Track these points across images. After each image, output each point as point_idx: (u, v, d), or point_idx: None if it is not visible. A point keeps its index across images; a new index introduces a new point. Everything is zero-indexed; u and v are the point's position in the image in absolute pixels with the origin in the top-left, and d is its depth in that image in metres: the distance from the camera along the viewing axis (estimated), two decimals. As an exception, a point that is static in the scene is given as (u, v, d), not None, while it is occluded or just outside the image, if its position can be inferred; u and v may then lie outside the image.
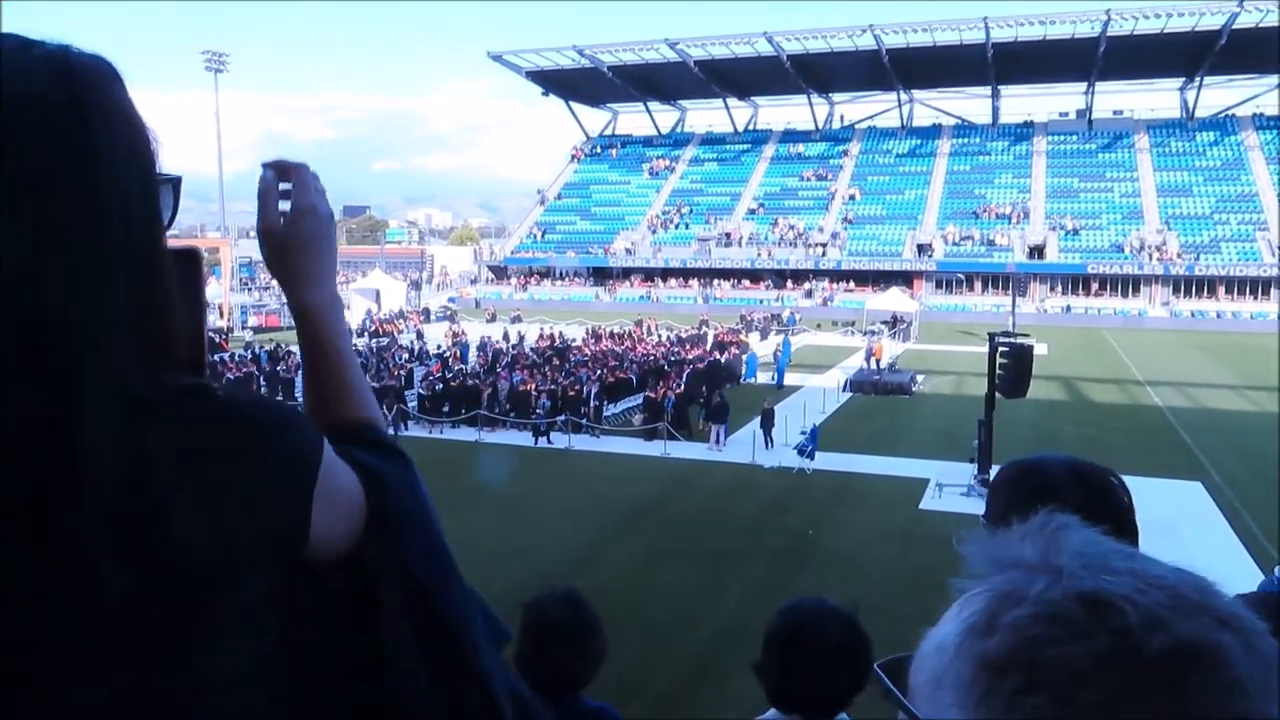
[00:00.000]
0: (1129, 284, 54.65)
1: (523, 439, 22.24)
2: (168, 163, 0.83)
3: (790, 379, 30.00)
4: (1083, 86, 66.89)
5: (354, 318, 48.06)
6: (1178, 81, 66.15)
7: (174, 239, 0.87)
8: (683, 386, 24.35)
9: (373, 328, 44.01)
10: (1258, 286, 51.96)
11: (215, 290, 52.16)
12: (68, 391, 0.70)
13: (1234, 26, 53.26)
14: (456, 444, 21.85)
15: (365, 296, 53.51)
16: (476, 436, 22.34)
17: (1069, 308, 53.87)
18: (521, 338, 38.22)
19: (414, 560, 0.94)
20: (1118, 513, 1.50)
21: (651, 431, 21.58)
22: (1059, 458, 1.60)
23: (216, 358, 31.16)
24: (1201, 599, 0.52)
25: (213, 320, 47.24)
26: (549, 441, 21.45)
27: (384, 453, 1.01)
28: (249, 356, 31.07)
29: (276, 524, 0.82)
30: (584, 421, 22.27)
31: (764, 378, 30.49)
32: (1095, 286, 55.22)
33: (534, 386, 23.91)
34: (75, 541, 0.70)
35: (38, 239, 0.70)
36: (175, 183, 0.85)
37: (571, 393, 23.19)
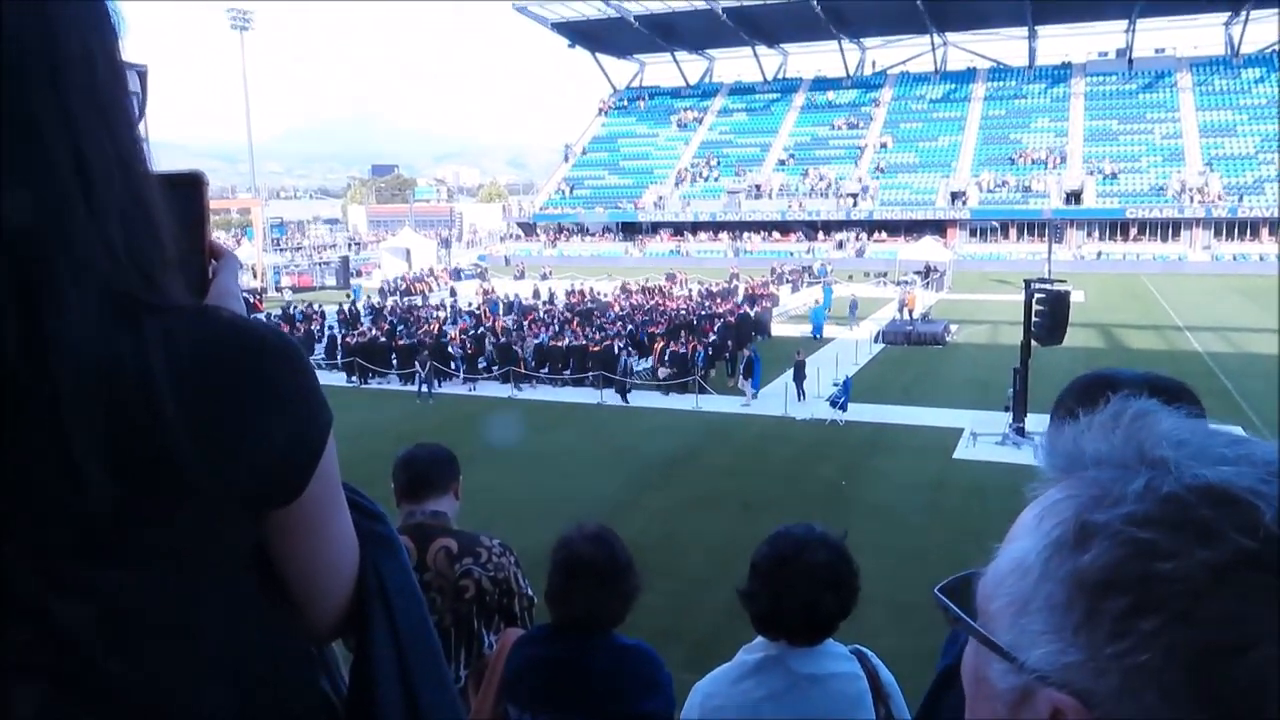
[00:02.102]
0: (1169, 228, 53.41)
1: (553, 394, 22.40)
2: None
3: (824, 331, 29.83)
4: (1123, 25, 64.85)
5: (386, 275, 48.41)
6: (1222, 16, 63.81)
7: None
8: (710, 341, 24.35)
9: (404, 286, 44.27)
10: (1304, 228, 50.60)
11: (249, 251, 52.66)
12: (36, 276, 0.67)
13: (1283, -43, 51.22)
14: (489, 400, 22.06)
15: (396, 255, 53.80)
16: (509, 392, 22.53)
17: (1102, 254, 52.81)
18: (552, 294, 38.32)
19: (406, 635, 0.93)
20: None
21: (681, 385, 21.64)
22: (1132, 371, 1.53)
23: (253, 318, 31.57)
24: None
25: (247, 281, 47.80)
26: (625, 400, 21.32)
27: (369, 516, 0.97)
28: (283, 315, 31.43)
29: (277, 462, 0.79)
30: (616, 376, 22.35)
31: (796, 329, 30.35)
32: (1134, 231, 54.05)
33: (564, 342, 24.02)
34: (59, 439, 0.67)
35: (2, 114, 0.67)
36: (142, 73, 0.81)
37: (600, 348, 23.25)
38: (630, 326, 26.28)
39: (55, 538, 0.68)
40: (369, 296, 40.22)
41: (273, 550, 0.85)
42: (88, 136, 0.71)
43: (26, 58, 0.68)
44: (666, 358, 22.37)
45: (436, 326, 27.86)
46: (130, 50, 0.77)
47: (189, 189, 0.87)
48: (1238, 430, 0.50)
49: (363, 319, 30.94)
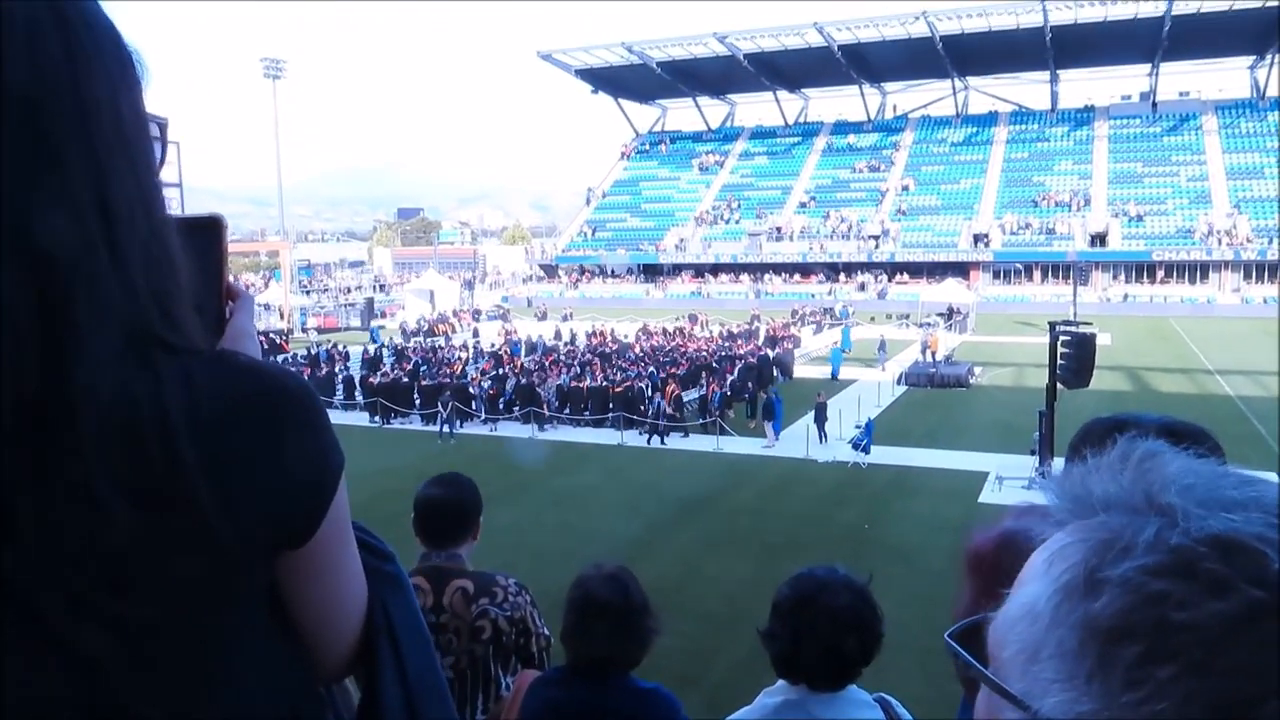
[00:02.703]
0: (1197, 270, 52.93)
1: (575, 434, 22.38)
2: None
3: (844, 372, 29.71)
4: (1146, 68, 64.91)
5: (409, 317, 48.84)
6: (1247, 60, 63.84)
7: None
8: (729, 382, 24.30)
9: (426, 327, 44.64)
10: (1334, 271, 49.96)
11: (276, 293, 53.33)
12: (61, 314, 0.68)
13: (1306, 1, 51.24)
14: (511, 440, 22.06)
15: (420, 297, 54.31)
16: (530, 432, 22.53)
17: (1128, 296, 52.36)
18: (574, 335, 38.48)
19: (414, 675, 0.94)
20: None
21: (702, 427, 21.56)
22: (1150, 415, 1.49)
23: (279, 359, 31.89)
24: None
25: (274, 322, 48.35)
26: (661, 441, 21.17)
27: (379, 555, 0.98)
28: (308, 357, 31.71)
29: (291, 506, 0.80)
30: (648, 419, 22.33)
31: (818, 371, 30.25)
32: (1161, 274, 53.60)
33: (586, 384, 24.05)
34: (84, 474, 0.68)
35: (32, 151, 0.69)
36: (162, 124, 0.82)
37: (622, 388, 23.25)
38: (651, 368, 26.29)
39: (82, 570, 0.69)
40: (391, 338, 40.56)
41: (284, 590, 0.86)
42: (113, 178, 0.73)
43: (57, 99, 0.70)
44: (673, 401, 22.24)
45: (459, 367, 28.01)
46: (165, 96, 0.81)
47: (208, 231, 0.89)
48: (1245, 472, 0.49)
49: (386, 360, 31.17)
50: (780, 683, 2.07)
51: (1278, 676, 0.40)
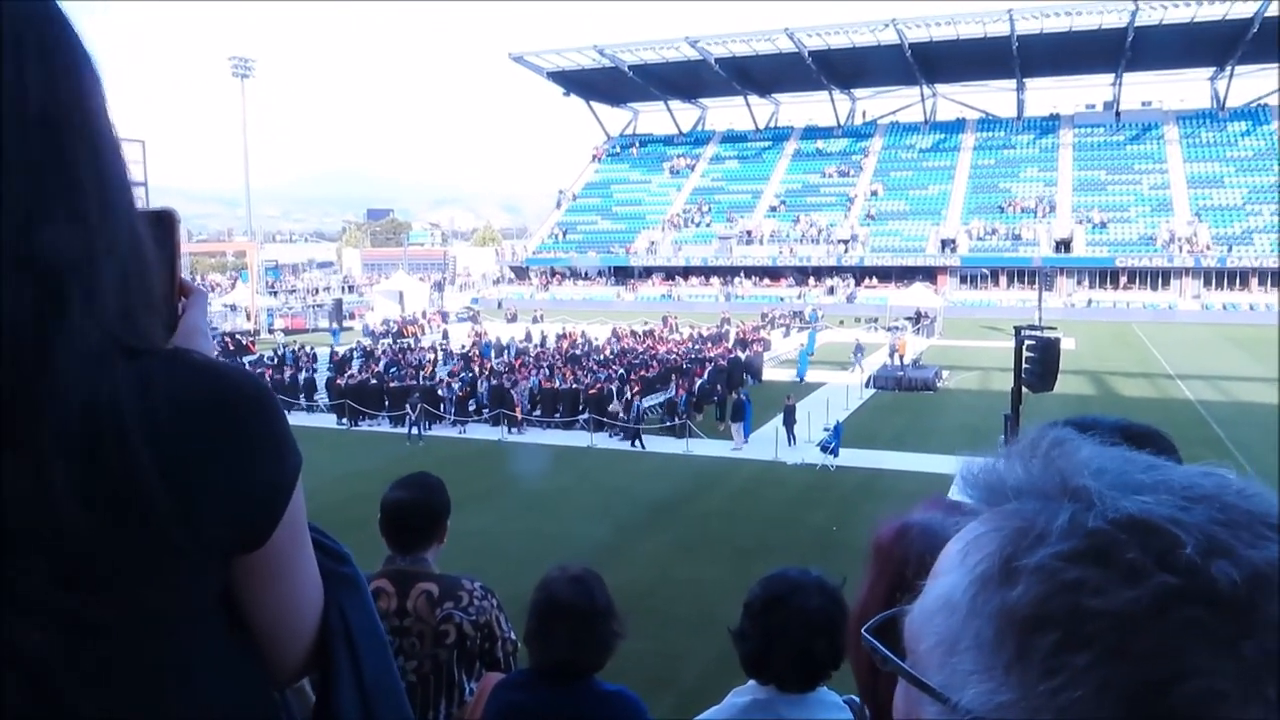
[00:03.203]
0: (1158, 277, 53.88)
1: (545, 437, 22.29)
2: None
3: (813, 375, 29.87)
4: (1110, 78, 66.02)
5: (376, 319, 48.44)
6: (1208, 71, 65.14)
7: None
8: (699, 384, 24.33)
9: (396, 329, 44.27)
10: (1291, 278, 51.08)
11: (243, 294, 52.65)
12: (55, 311, 0.69)
13: (1266, 14, 52.33)
14: (480, 442, 21.93)
15: (389, 298, 53.87)
16: (500, 435, 22.41)
17: (1092, 301, 53.18)
18: (545, 337, 38.36)
19: (370, 678, 0.93)
20: None
21: (669, 429, 21.57)
22: (1108, 418, 1.49)
23: (246, 360, 31.48)
24: (1248, 505, 0.45)
25: (239, 323, 47.72)
26: (641, 445, 21.02)
27: (334, 557, 0.97)
28: (275, 359, 31.32)
29: (247, 508, 0.80)
30: (608, 420, 22.28)
31: (787, 374, 30.38)
32: (1124, 280, 54.50)
33: (556, 386, 23.97)
34: (40, 469, 0.68)
35: (46, 167, 0.70)
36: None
37: (593, 391, 23.20)
38: (621, 370, 26.25)
39: (28, 565, 0.68)
40: (357, 340, 40.20)
41: (239, 592, 0.85)
42: (112, 183, 0.76)
43: (67, 111, 0.72)
44: (626, 405, 22.17)
45: (429, 369, 27.79)
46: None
47: (163, 226, 0.88)
48: (1151, 457, 0.49)
49: (354, 361, 30.86)
50: (750, 683, 2.05)
51: (1191, 658, 0.40)
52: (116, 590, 0.72)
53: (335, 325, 46.61)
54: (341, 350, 33.81)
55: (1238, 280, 52.45)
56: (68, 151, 0.72)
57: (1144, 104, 67.42)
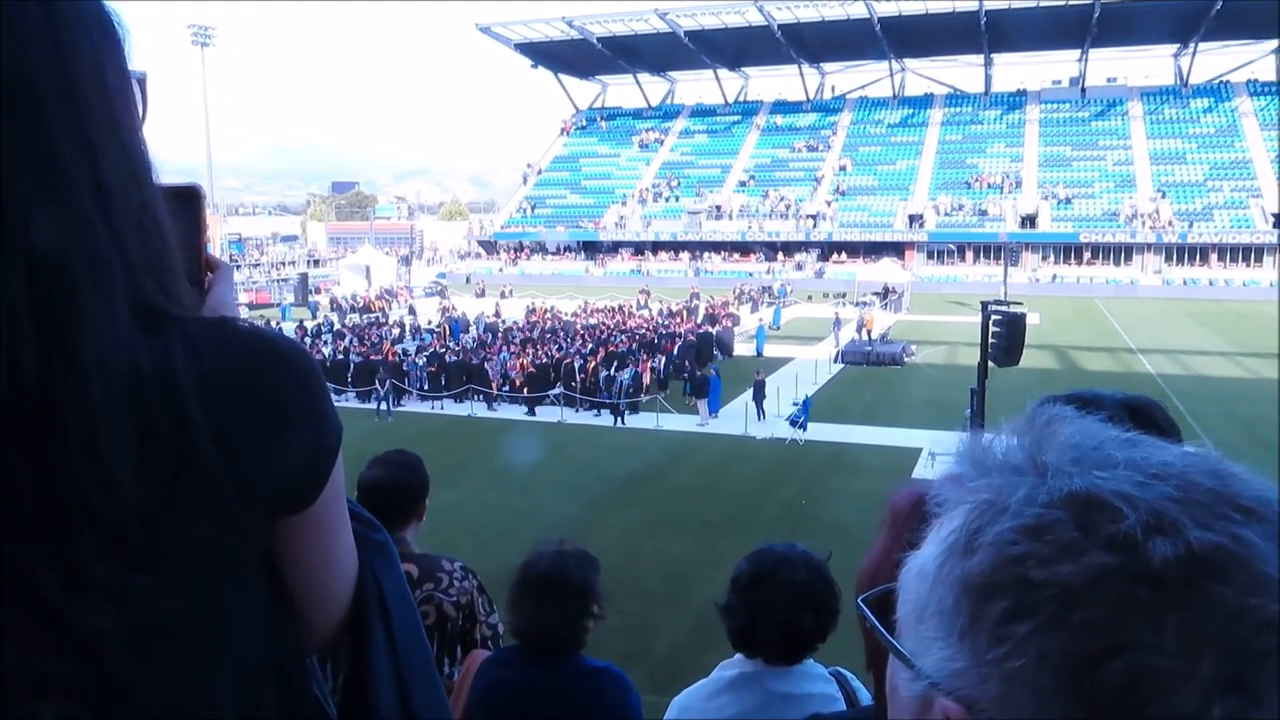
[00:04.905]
0: (1121, 252, 54.66)
1: (516, 412, 22.25)
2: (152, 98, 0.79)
3: (782, 350, 30.05)
4: (1076, 54, 66.50)
5: (344, 293, 47.89)
6: (1172, 48, 65.80)
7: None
8: (670, 359, 24.39)
9: (362, 304, 43.80)
10: (1250, 254, 52.04)
11: (205, 268, 51.76)
12: (60, 295, 0.68)
13: (1227, -8, 52.98)
14: (450, 418, 21.85)
15: (355, 273, 53.26)
16: (469, 410, 22.33)
17: (1056, 277, 53.88)
18: (526, 312, 38.17)
19: (402, 642, 0.94)
20: None
21: (633, 406, 21.58)
22: (1115, 393, 1.52)
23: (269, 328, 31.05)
24: (1218, 485, 0.45)
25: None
26: (622, 421, 21.00)
27: (366, 524, 0.98)
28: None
29: (297, 469, 0.81)
30: (577, 395, 22.28)
31: (751, 348, 30.54)
32: (1088, 255, 55.22)
33: (524, 363, 23.89)
34: (89, 446, 0.68)
35: (22, 135, 0.68)
36: (141, 79, 0.80)
37: (568, 365, 23.16)
38: (591, 345, 26.22)
39: (82, 544, 0.68)
40: (324, 314, 39.73)
41: (281, 556, 0.86)
42: (103, 151, 0.72)
43: (41, 78, 0.68)
44: (616, 379, 22.20)
45: (387, 348, 27.55)
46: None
47: (188, 201, 0.89)
48: (1140, 435, 0.50)
49: (322, 336, 30.53)
50: (737, 656, 2.08)
51: (1126, 632, 0.41)
52: (167, 558, 0.73)
53: (284, 303, 45.55)
54: (311, 325, 33.43)
55: (1198, 256, 53.35)
56: (47, 127, 0.69)
57: (1109, 80, 68.00)
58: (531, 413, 21.96)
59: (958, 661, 0.45)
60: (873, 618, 0.55)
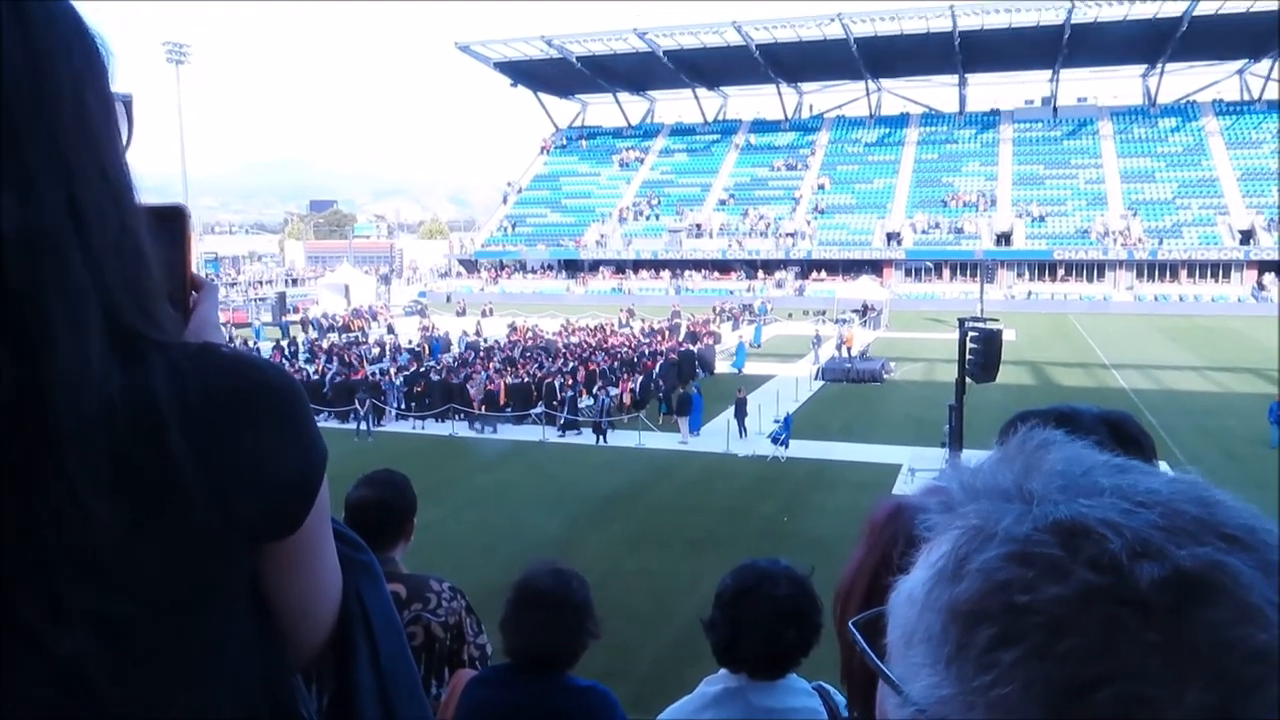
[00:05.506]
0: (1094, 269, 55.37)
1: (499, 431, 22.20)
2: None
3: (763, 368, 30.17)
4: (1048, 74, 67.52)
5: (322, 312, 47.61)
6: (1140, 68, 66.99)
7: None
8: (652, 377, 24.43)
9: (341, 323, 43.55)
10: (1218, 270, 52.87)
11: (181, 287, 51.27)
12: (32, 318, 0.67)
13: (1194, 13, 54.02)
14: (431, 437, 21.77)
15: (334, 292, 52.99)
16: (450, 430, 22.26)
17: (1031, 294, 54.47)
18: (508, 330, 38.09)
19: (387, 661, 0.95)
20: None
21: (612, 424, 21.62)
22: (1092, 408, 1.57)
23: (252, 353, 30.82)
24: (1203, 514, 0.44)
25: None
26: (604, 439, 20.95)
27: (351, 544, 0.99)
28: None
29: (281, 496, 0.81)
30: (562, 414, 22.26)
31: (746, 366, 30.65)
32: (1061, 272, 55.90)
33: (505, 381, 23.86)
34: (63, 473, 0.67)
35: None
36: (127, 101, 0.81)
37: (549, 383, 23.15)
38: (572, 364, 26.25)
39: (60, 569, 0.68)
40: (306, 332, 39.43)
41: (266, 577, 0.86)
42: (80, 174, 0.71)
43: (16, 101, 0.67)
44: (600, 398, 22.23)
45: (364, 368, 27.44)
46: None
47: (172, 221, 0.89)
48: (1130, 460, 0.50)
49: (300, 356, 30.36)
50: (721, 671, 2.10)
51: (1113, 662, 0.40)
52: (150, 584, 0.72)
53: (275, 320, 45.26)
54: (286, 345, 33.21)
55: (1168, 272, 54.13)
56: (19, 146, 0.68)
57: (1080, 100, 69.09)
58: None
59: (944, 689, 0.45)
60: (863, 642, 0.55)
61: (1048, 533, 0.44)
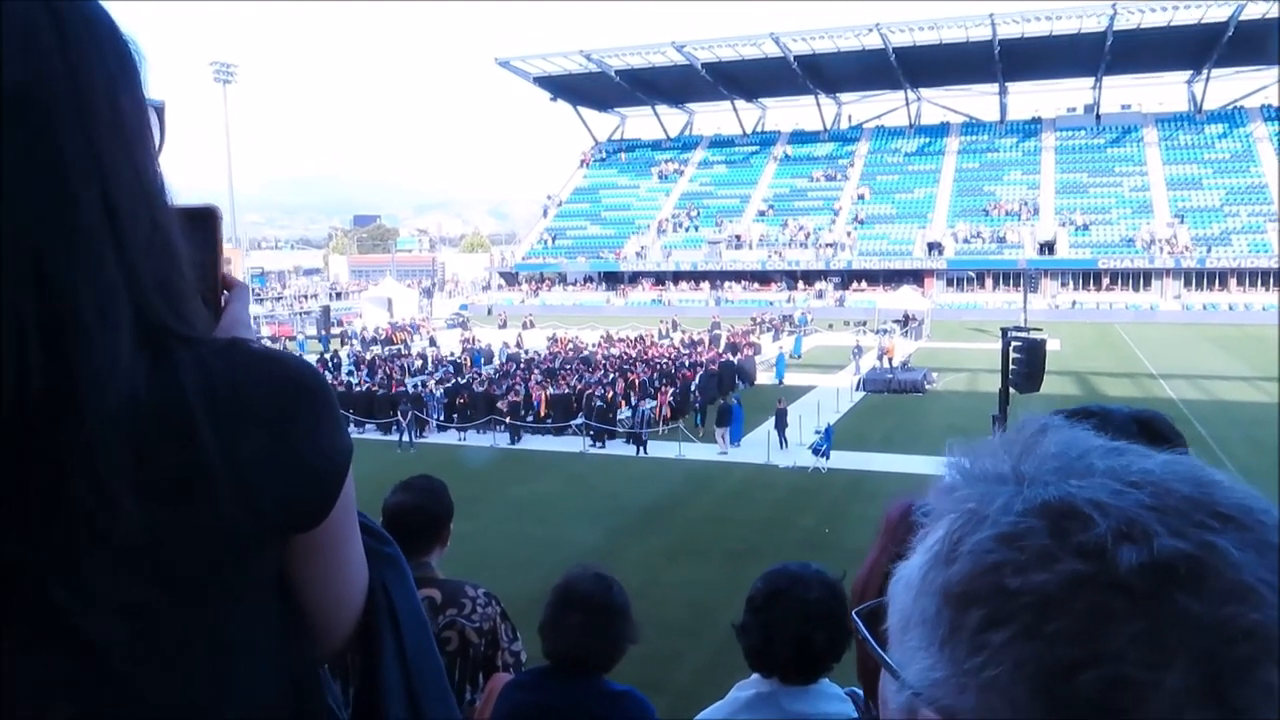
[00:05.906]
0: (1140, 278, 54.34)
1: (539, 442, 22.32)
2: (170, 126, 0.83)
3: (803, 379, 30.02)
4: (1090, 81, 66.59)
5: (366, 325, 48.28)
6: (1185, 74, 65.82)
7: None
8: (692, 388, 24.42)
9: (384, 336, 44.13)
10: (1269, 278, 51.57)
11: (228, 301, 52.34)
12: (65, 314, 0.69)
13: (1241, 18, 53.00)
14: (472, 448, 21.95)
15: (377, 305, 53.72)
16: (492, 441, 22.43)
17: (1076, 303, 53.59)
18: (538, 348, 38.35)
19: (413, 654, 0.96)
20: None
21: (637, 436, 21.61)
22: (1123, 407, 1.57)
23: (280, 350, 31.56)
24: (1196, 493, 0.44)
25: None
26: (644, 450, 21.01)
27: (377, 538, 1.00)
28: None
29: (306, 490, 0.82)
30: (602, 425, 22.33)
31: (772, 376, 30.53)
32: (1106, 281, 54.94)
33: (547, 392, 24.02)
34: (90, 466, 0.69)
35: (31, 150, 0.68)
36: (159, 108, 0.83)
37: (590, 394, 23.25)
38: (613, 375, 26.34)
39: (90, 558, 0.69)
40: (350, 345, 39.97)
41: (292, 570, 0.87)
42: (114, 175, 0.73)
43: (54, 97, 0.69)
44: (639, 409, 22.30)
45: (400, 380, 27.75)
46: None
47: (205, 221, 0.91)
48: (1128, 444, 0.50)
49: (344, 368, 30.82)
50: (753, 676, 2.11)
51: (1100, 643, 0.40)
52: (178, 576, 0.74)
53: (317, 333, 45.92)
54: (328, 357, 33.73)
55: (1216, 281, 52.96)
56: (57, 144, 0.69)
57: (1123, 107, 68.06)
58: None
59: (938, 671, 0.45)
60: (864, 629, 0.56)
61: (1036, 514, 0.44)
